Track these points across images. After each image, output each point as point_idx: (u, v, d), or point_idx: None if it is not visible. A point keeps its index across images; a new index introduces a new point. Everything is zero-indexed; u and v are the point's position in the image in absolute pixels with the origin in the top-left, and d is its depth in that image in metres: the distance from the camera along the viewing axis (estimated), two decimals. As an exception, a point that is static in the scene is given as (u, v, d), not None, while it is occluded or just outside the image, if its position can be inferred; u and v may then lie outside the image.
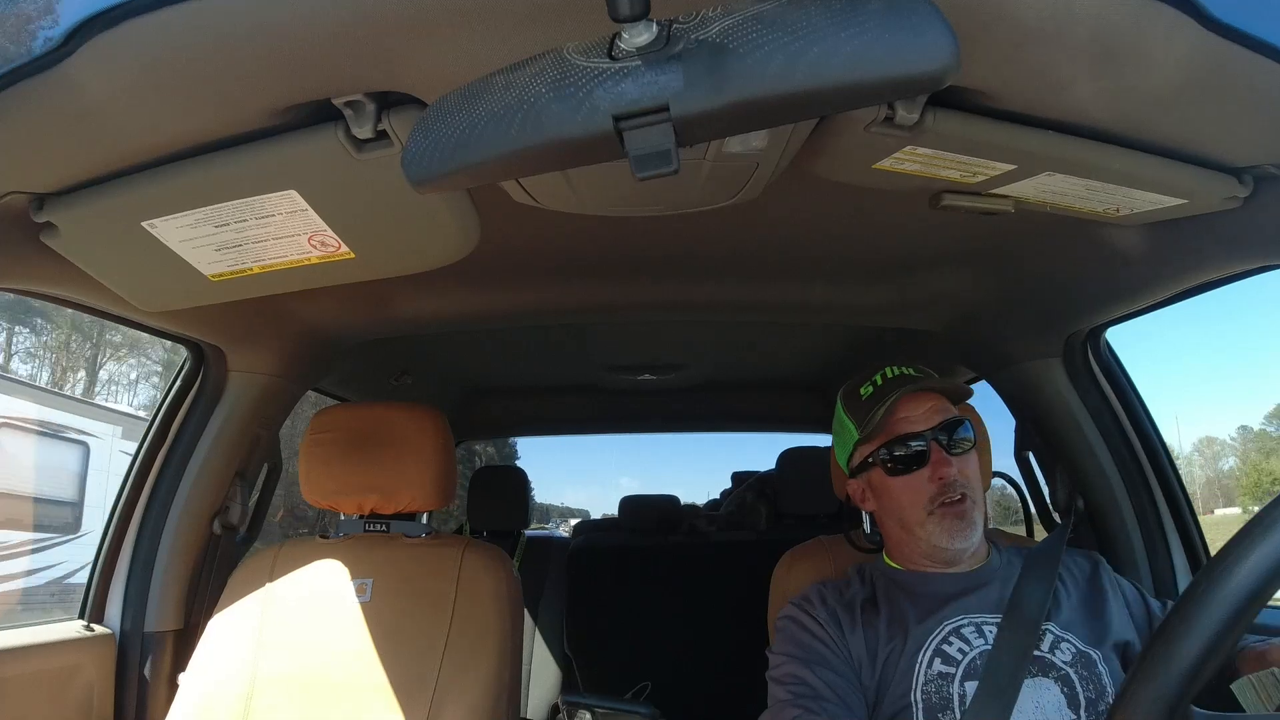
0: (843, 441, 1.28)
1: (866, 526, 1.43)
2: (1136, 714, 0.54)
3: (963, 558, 1.18)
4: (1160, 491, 1.57)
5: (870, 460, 1.21)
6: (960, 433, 1.18)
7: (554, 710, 2.61)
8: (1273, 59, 0.69)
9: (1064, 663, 1.07)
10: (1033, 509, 1.78)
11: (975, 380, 1.84)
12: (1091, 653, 1.08)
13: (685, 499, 3.38)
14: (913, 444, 1.17)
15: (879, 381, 1.21)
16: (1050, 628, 1.10)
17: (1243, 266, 1.16)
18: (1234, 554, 0.53)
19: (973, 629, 1.11)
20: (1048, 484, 1.73)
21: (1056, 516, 1.72)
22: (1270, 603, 0.54)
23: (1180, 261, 1.20)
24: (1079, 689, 1.05)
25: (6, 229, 0.93)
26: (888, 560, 1.26)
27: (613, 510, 3.23)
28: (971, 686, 1.05)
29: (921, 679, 1.08)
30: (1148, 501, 1.57)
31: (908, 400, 1.18)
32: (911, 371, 1.21)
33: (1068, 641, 1.09)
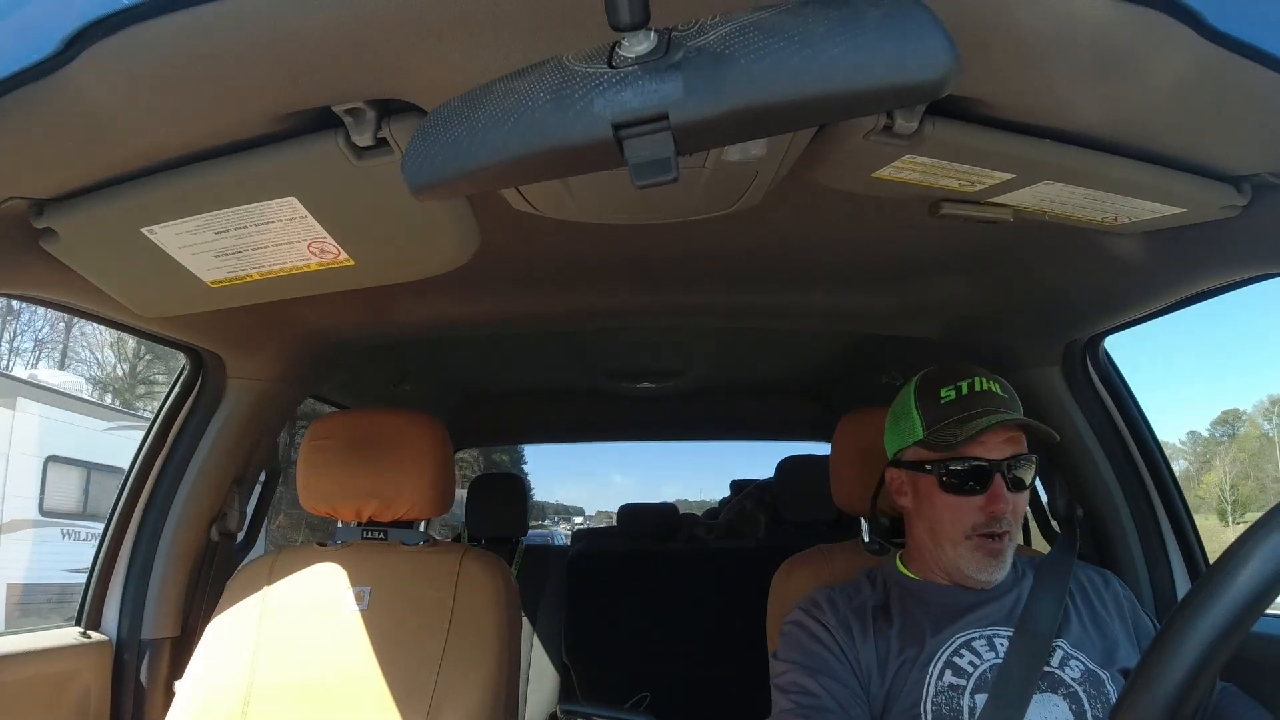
0: (900, 430, 1.21)
1: (865, 536, 1.43)
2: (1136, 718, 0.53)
3: (985, 588, 1.16)
4: (1159, 500, 1.56)
5: (927, 466, 1.15)
6: (1027, 469, 1.13)
7: (552, 718, 2.60)
8: (1271, 68, 0.69)
9: (1073, 679, 1.06)
10: (1031, 517, 1.78)
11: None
12: (1100, 673, 1.07)
13: (678, 496, 3.40)
14: (977, 469, 1.11)
15: (964, 390, 1.14)
16: (1061, 644, 1.10)
17: (1241, 275, 1.16)
18: (1235, 560, 0.53)
19: (984, 642, 1.11)
20: (1046, 492, 1.73)
21: (1055, 525, 1.72)
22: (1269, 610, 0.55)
23: (1179, 270, 1.20)
24: (1087, 706, 1.04)
25: (6, 234, 0.93)
26: (901, 567, 1.24)
27: (606, 507, 3.24)
28: (982, 699, 1.04)
29: (932, 690, 1.07)
30: (1147, 509, 1.56)
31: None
32: (998, 389, 1.15)
33: (1077, 659, 1.08)
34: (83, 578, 1.60)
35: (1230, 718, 1.07)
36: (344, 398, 2.37)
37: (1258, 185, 0.94)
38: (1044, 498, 1.75)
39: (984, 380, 1.15)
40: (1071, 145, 0.85)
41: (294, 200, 0.87)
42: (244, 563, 1.60)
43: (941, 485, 1.14)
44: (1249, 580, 0.52)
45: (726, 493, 3.67)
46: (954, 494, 1.13)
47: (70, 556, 6.93)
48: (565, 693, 2.62)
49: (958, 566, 1.14)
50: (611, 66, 0.51)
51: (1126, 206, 0.97)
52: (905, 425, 1.20)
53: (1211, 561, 1.04)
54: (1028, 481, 1.14)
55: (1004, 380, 1.18)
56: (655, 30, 0.50)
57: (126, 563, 1.57)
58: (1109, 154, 0.87)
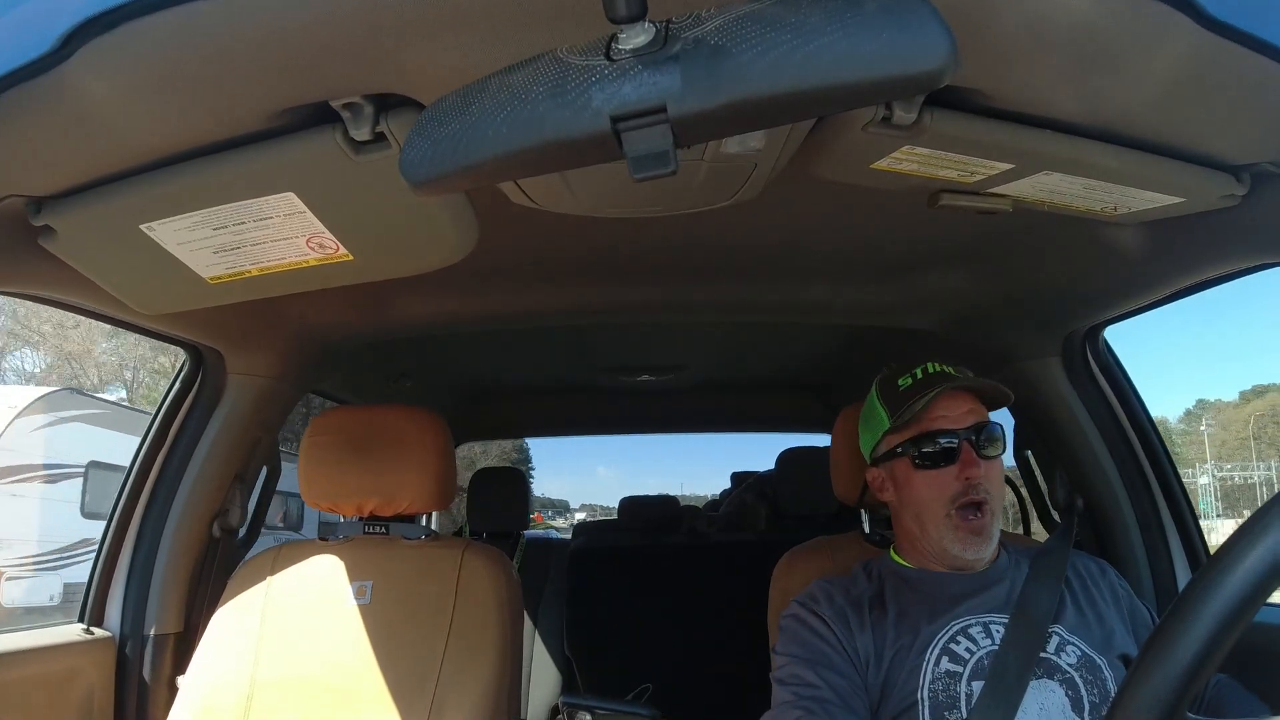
0: (870, 429, 1.26)
1: (866, 527, 1.43)
2: (1133, 716, 0.53)
3: (974, 568, 1.17)
4: (1160, 490, 1.57)
5: (898, 450, 1.19)
6: (992, 437, 1.16)
7: (554, 712, 2.61)
8: (1270, 56, 0.69)
9: (1069, 665, 1.07)
10: (1031, 508, 1.78)
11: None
12: (1097, 658, 1.08)
13: (661, 490, 3.40)
14: (944, 441, 1.15)
15: (919, 375, 1.20)
16: (1057, 630, 1.10)
17: (1241, 264, 1.16)
18: (1232, 554, 0.53)
19: (980, 629, 1.11)
20: (1046, 483, 1.73)
21: (1056, 515, 1.72)
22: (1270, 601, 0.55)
23: (1178, 259, 1.20)
24: (1083, 692, 1.04)
25: (5, 232, 0.93)
26: (896, 557, 1.25)
27: (590, 500, 3.25)
28: (978, 686, 1.05)
29: (929, 677, 1.08)
30: (1147, 500, 1.56)
31: (946, 398, 1.17)
32: (952, 370, 1.20)
33: (1073, 645, 1.09)
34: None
35: (1226, 709, 1.07)
36: (345, 393, 2.37)
37: (1257, 174, 0.94)
38: (1044, 488, 1.75)
39: (936, 365, 1.21)
40: (1070, 135, 0.85)
41: (292, 196, 0.87)
42: (246, 558, 1.60)
43: (915, 464, 1.18)
44: (1249, 572, 0.52)
45: (715, 486, 3.67)
46: (927, 470, 1.17)
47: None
48: (567, 686, 2.63)
49: (944, 548, 1.16)
50: (609, 59, 0.51)
51: (1125, 196, 0.97)
52: (874, 421, 1.25)
53: (1212, 552, 1.04)
54: (995, 452, 1.17)
55: (959, 366, 1.22)
56: (652, 23, 0.50)
57: (129, 559, 1.57)
58: (1108, 144, 0.87)
